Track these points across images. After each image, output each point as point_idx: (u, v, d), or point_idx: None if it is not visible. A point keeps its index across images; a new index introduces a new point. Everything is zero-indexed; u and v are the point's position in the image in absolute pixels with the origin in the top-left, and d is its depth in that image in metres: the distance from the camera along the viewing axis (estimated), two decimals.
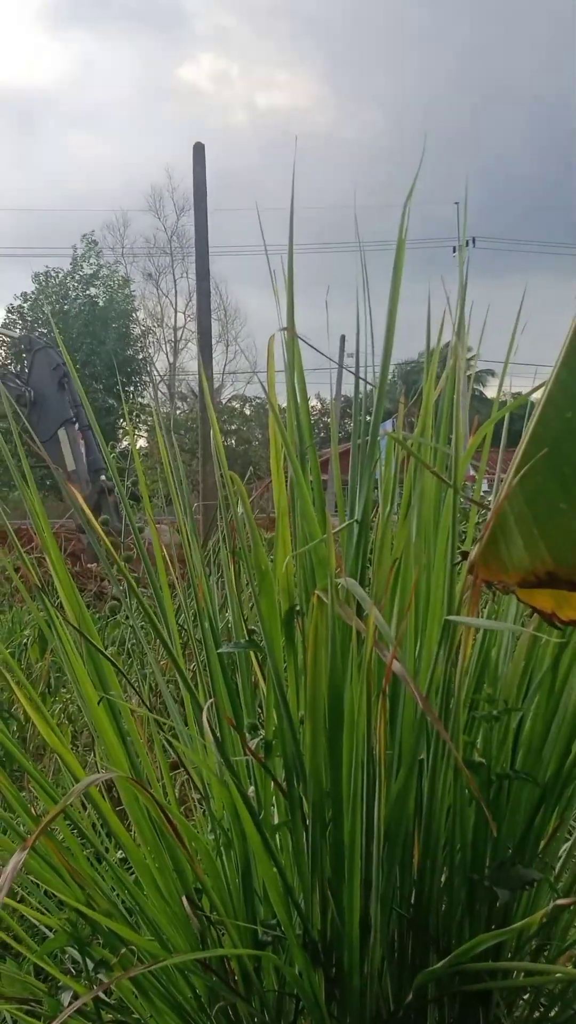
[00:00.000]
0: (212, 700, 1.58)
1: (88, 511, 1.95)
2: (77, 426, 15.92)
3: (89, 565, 11.84)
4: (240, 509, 1.85)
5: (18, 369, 17.30)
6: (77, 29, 78.97)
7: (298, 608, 1.72)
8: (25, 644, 4.14)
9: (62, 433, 15.53)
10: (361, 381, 1.93)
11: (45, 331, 43.40)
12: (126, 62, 78.44)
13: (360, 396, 1.91)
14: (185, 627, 2.27)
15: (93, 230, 49.40)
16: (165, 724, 1.76)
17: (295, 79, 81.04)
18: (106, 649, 4.84)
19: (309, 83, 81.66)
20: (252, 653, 1.88)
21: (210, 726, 1.54)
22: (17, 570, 8.14)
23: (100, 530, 1.91)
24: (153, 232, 61.09)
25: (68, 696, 3.95)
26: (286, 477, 1.74)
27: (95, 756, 3.08)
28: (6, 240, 71.74)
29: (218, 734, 1.61)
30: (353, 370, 1.86)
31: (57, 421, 15.67)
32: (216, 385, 45.20)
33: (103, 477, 15.70)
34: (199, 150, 18.81)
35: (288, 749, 1.68)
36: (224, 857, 1.75)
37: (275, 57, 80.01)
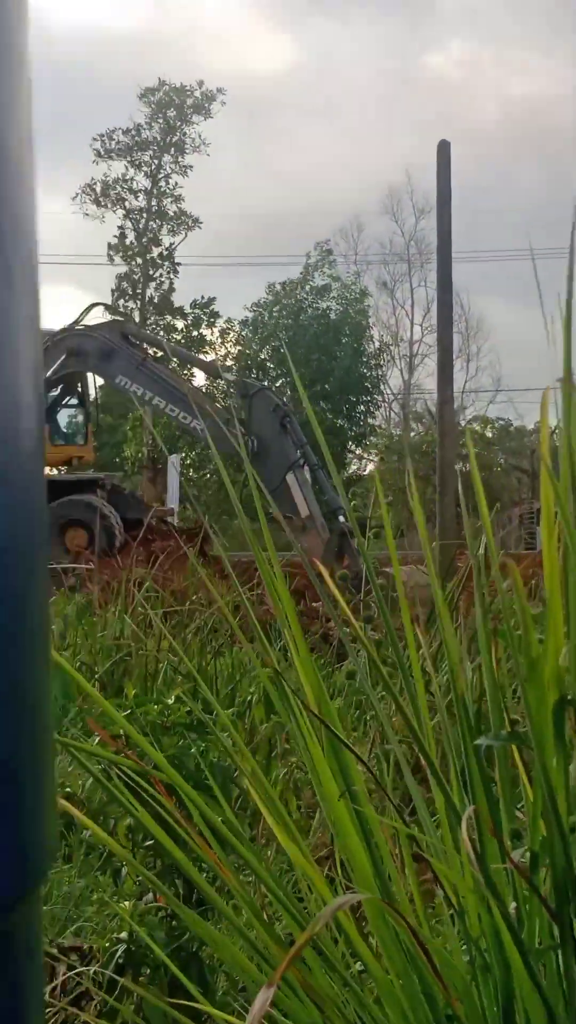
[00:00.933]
0: (472, 808, 1.51)
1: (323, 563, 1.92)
2: (306, 467, 16.03)
3: (315, 604, 11.96)
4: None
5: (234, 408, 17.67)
6: (313, 18, 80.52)
7: (570, 698, 1.64)
8: (250, 702, 4.17)
9: (291, 478, 15.68)
10: None
11: (278, 343, 44.28)
12: (367, 51, 79.32)
13: None
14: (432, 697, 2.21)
15: (328, 239, 50.07)
16: (410, 822, 1.71)
17: (552, 64, 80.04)
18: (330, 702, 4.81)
19: (568, 68, 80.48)
20: (513, 746, 1.81)
21: (468, 835, 1.47)
22: (237, 609, 8.24)
23: (340, 597, 1.88)
24: (389, 237, 61.42)
25: (294, 760, 3.95)
26: (559, 545, 1.66)
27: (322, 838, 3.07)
28: (236, 247, 73.79)
29: (478, 846, 1.54)
30: None
31: (283, 467, 15.83)
32: (456, 404, 44.95)
33: (341, 518, 15.72)
34: (444, 148, 18.75)
35: (557, 862, 1.59)
36: (480, 981, 1.68)
37: (531, 39, 79.22)
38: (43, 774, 0.73)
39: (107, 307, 20.04)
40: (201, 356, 44.28)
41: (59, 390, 20.72)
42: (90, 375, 20.65)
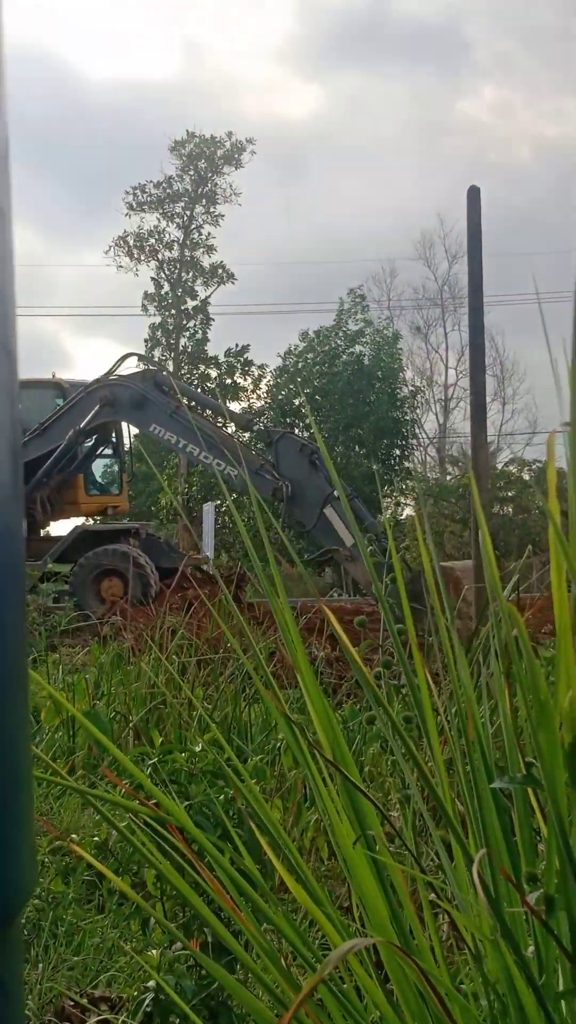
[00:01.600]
0: (484, 851, 1.52)
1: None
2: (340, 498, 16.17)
3: (334, 654, 11.95)
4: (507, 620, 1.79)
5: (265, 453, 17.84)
6: (346, 68, 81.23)
7: None
8: (279, 749, 4.17)
9: (329, 512, 15.86)
10: None
11: (311, 391, 44.46)
12: (400, 99, 79.90)
13: None
14: (447, 739, 2.22)
15: (361, 284, 50.38)
16: (428, 867, 1.71)
17: None
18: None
19: None
20: (530, 789, 1.81)
21: (481, 878, 1.47)
22: (273, 655, 8.20)
23: (349, 643, 1.90)
24: (422, 282, 61.73)
25: None
26: (569, 588, 1.67)
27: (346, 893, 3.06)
28: (269, 295, 74.07)
29: (492, 890, 1.55)
30: None
31: (319, 502, 16.03)
32: (492, 448, 44.87)
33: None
34: (474, 194, 18.83)
35: (573, 905, 1.59)
36: None
37: (564, 84, 79.56)
38: (19, 811, 0.73)
39: (141, 357, 20.20)
40: (234, 405, 44.54)
41: (93, 440, 20.88)
42: (124, 425, 20.85)
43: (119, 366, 19.37)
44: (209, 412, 20.09)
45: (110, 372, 19.19)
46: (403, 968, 1.60)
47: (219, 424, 19.35)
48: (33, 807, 0.77)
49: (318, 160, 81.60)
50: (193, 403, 20.49)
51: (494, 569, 1.74)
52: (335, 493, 16.07)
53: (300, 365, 46.14)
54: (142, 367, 20.26)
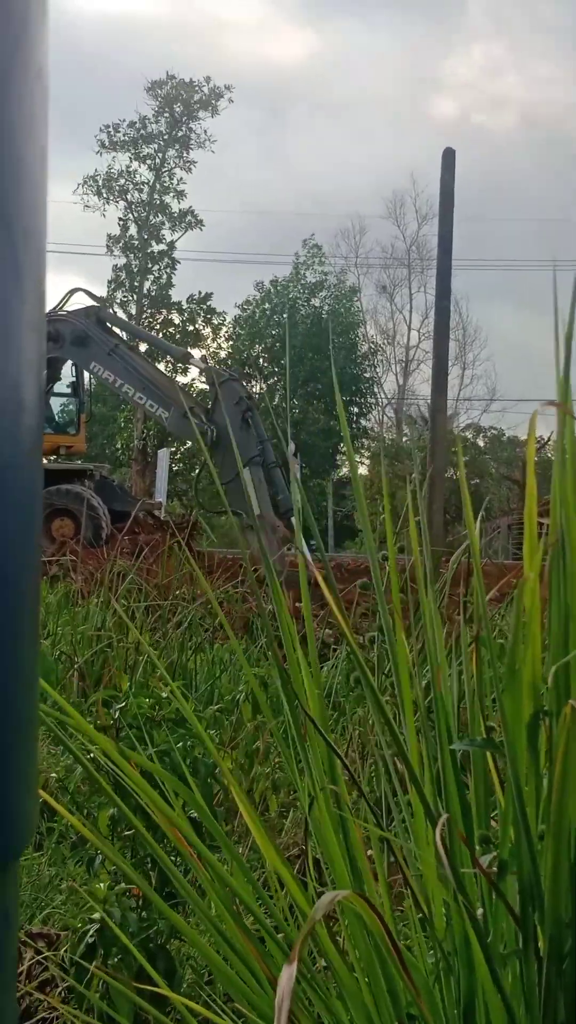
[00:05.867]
0: (447, 815, 1.55)
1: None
2: (263, 464, 16.07)
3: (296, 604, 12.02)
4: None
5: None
6: (340, 18, 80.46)
7: (546, 709, 1.67)
8: (237, 700, 4.18)
9: (246, 473, 15.76)
10: None
11: (271, 342, 44.27)
12: (389, 52, 79.26)
13: None
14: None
15: (312, 233, 50.32)
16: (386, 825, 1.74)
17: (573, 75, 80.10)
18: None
19: None
20: (488, 753, 1.84)
21: (443, 840, 1.50)
22: (221, 604, 8.20)
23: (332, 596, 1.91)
24: (391, 241, 61.65)
25: (277, 760, 3.98)
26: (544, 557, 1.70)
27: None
28: (238, 243, 73.66)
29: (450, 851, 1.58)
30: None
31: (240, 460, 15.89)
32: (450, 412, 45.00)
33: (294, 520, 15.72)
34: (448, 156, 18.84)
35: (525, 870, 1.62)
36: (443, 984, 1.71)
37: (556, 50, 79.22)
38: (29, 754, 0.78)
39: (88, 293, 19.89)
40: (196, 352, 44.30)
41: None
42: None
43: (66, 301, 19.14)
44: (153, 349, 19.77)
45: (56, 307, 18.95)
46: (359, 921, 1.63)
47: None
48: (38, 747, 0.80)
49: (300, 109, 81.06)
50: (134, 340, 20.24)
51: (473, 532, 1.76)
52: (258, 457, 15.96)
53: (257, 315, 45.94)
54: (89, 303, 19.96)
